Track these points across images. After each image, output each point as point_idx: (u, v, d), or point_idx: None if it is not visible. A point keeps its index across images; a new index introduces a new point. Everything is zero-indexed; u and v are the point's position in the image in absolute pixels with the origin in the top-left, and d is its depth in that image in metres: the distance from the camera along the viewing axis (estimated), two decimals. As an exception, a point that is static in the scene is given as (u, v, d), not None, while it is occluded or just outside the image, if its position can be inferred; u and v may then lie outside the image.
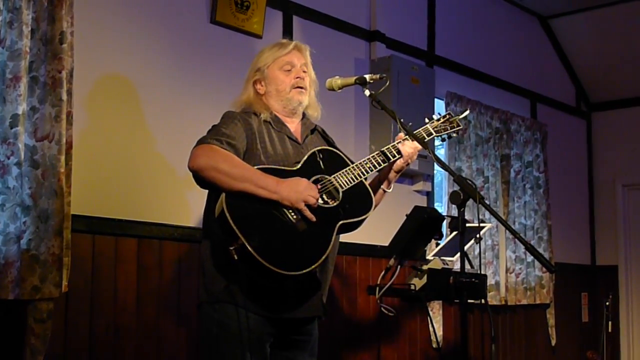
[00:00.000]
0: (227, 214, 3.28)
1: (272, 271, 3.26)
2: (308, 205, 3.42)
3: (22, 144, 4.05)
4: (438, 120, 4.00)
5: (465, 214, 3.76)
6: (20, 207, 4.04)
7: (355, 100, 6.25)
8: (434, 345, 6.70)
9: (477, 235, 4.10)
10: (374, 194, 3.75)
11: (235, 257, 3.25)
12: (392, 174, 3.90)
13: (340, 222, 3.51)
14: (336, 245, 3.59)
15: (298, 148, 3.71)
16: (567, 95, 9.19)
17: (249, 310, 3.43)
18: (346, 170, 3.63)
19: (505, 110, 7.76)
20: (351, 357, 6.02)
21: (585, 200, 9.35)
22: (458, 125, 4.03)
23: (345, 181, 3.59)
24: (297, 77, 3.75)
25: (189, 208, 4.99)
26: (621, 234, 9.19)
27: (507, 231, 4.51)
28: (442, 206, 7.02)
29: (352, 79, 3.82)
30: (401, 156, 3.82)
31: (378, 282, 4.68)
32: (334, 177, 3.58)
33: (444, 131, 3.99)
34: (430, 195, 6.89)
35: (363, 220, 3.60)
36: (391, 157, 3.80)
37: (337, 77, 3.87)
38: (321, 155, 3.66)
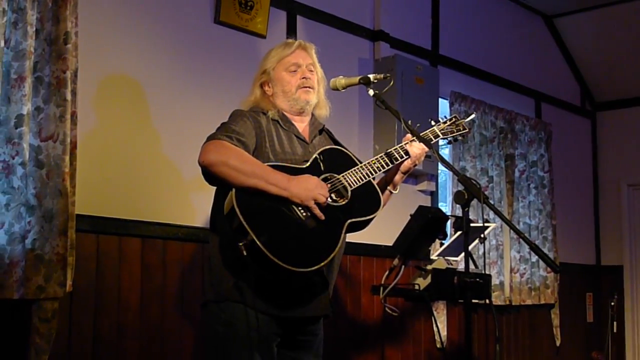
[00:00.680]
0: (237, 210, 3.28)
1: (281, 267, 3.26)
2: (317, 203, 3.42)
3: (26, 144, 4.05)
4: (444, 122, 4.01)
5: (470, 213, 3.76)
6: (24, 206, 4.04)
7: (359, 100, 6.25)
8: (438, 345, 6.70)
9: (482, 235, 4.09)
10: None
11: (244, 253, 3.25)
12: (399, 175, 3.90)
13: (349, 221, 3.52)
14: (343, 244, 3.60)
15: (306, 147, 3.71)
16: (571, 95, 9.18)
17: (258, 309, 3.43)
18: (355, 170, 3.63)
19: (510, 109, 7.75)
20: (355, 357, 6.02)
21: (590, 200, 9.33)
22: (464, 128, 4.03)
23: (354, 180, 3.60)
24: (303, 78, 3.75)
25: (192, 208, 5.00)
26: (626, 233, 9.17)
27: (512, 231, 4.52)
28: (446, 206, 7.02)
29: (356, 79, 3.82)
30: (409, 157, 3.83)
31: (382, 282, 4.67)
32: (343, 176, 3.59)
33: (450, 134, 4.00)
34: (434, 195, 6.88)
35: (371, 219, 3.61)
36: (399, 158, 3.81)
37: (341, 76, 3.88)
38: (330, 154, 3.67)
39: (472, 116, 4.22)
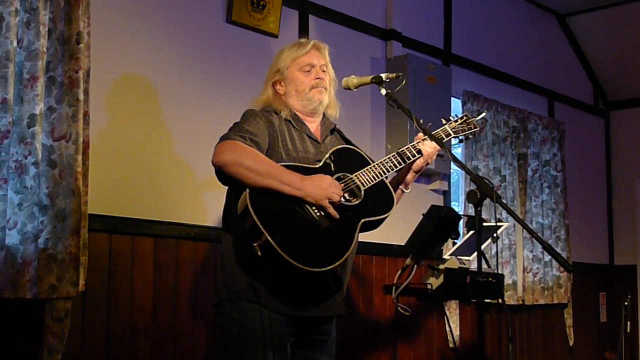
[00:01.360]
0: (251, 210, 3.28)
1: (296, 267, 3.25)
2: (331, 203, 3.42)
3: (39, 143, 4.06)
4: (456, 121, 4.00)
5: (482, 213, 3.76)
6: (37, 206, 4.05)
7: (371, 100, 6.25)
8: (451, 345, 6.69)
9: (494, 235, 4.08)
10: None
11: (259, 253, 3.24)
12: (411, 174, 3.89)
13: (363, 220, 3.51)
14: (356, 243, 3.59)
15: (318, 147, 3.70)
16: (585, 94, 9.15)
17: (272, 309, 3.42)
18: (367, 169, 3.63)
19: (523, 108, 7.73)
20: (368, 357, 6.01)
21: (604, 199, 9.31)
22: (475, 127, 4.02)
23: (367, 179, 3.59)
24: (317, 78, 3.74)
25: (205, 207, 5.00)
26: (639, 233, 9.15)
27: (525, 230, 4.50)
28: (459, 205, 7.01)
29: (369, 78, 3.81)
30: (421, 155, 3.82)
31: (394, 282, 4.67)
32: (356, 176, 3.59)
33: (462, 132, 3.98)
34: (447, 194, 6.87)
35: (385, 218, 3.60)
36: (411, 157, 3.80)
37: (353, 76, 3.87)
38: (342, 154, 3.66)
39: (483, 115, 4.22)
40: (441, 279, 4.78)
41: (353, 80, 3.86)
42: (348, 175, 3.58)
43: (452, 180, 6.99)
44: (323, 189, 3.41)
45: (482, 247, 4.07)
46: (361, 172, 3.61)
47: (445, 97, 6.56)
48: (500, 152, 7.36)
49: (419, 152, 3.81)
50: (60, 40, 4.21)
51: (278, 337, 3.46)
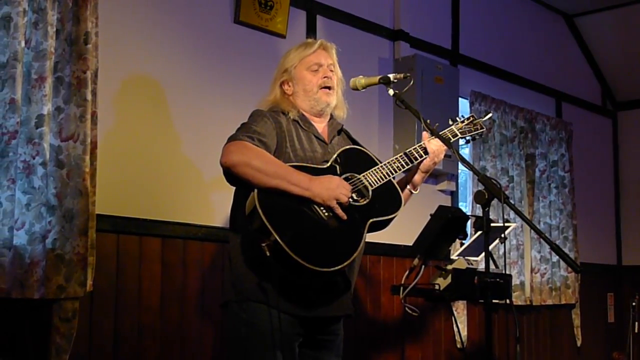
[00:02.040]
0: (260, 210, 3.28)
1: (305, 268, 3.25)
2: (339, 203, 3.42)
3: (47, 144, 4.07)
4: (462, 122, 4.00)
5: (490, 213, 3.75)
6: (45, 206, 4.06)
7: (379, 100, 6.25)
8: (459, 346, 6.69)
9: (502, 235, 4.08)
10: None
11: (268, 253, 3.24)
12: (419, 175, 3.89)
13: (370, 220, 3.52)
14: (364, 243, 3.59)
15: (325, 148, 3.71)
16: (592, 94, 9.14)
17: (280, 310, 3.42)
18: (375, 169, 3.63)
19: (530, 109, 7.72)
20: (375, 357, 6.01)
21: (611, 200, 9.29)
22: (482, 127, 4.03)
23: (375, 180, 3.60)
24: (324, 77, 3.74)
25: (212, 207, 5.00)
26: (647, 233, 9.14)
27: (532, 231, 4.50)
28: (466, 206, 7.00)
29: (376, 79, 3.81)
30: (428, 155, 3.82)
31: (402, 282, 4.66)
32: (363, 176, 3.59)
33: (468, 133, 3.99)
34: (454, 194, 6.87)
35: (392, 219, 3.60)
36: (418, 157, 3.80)
37: (361, 76, 3.87)
38: (350, 155, 3.67)
39: (490, 115, 4.21)
40: (449, 279, 4.77)
41: (361, 80, 3.86)
42: (356, 175, 3.58)
43: (459, 180, 6.98)
44: (331, 190, 3.41)
45: (490, 247, 4.06)
46: (369, 173, 3.61)
47: (452, 97, 6.55)
48: (508, 153, 7.36)
49: (426, 151, 3.81)
50: (68, 41, 4.21)
51: (286, 337, 3.46)
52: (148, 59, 4.82)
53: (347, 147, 3.71)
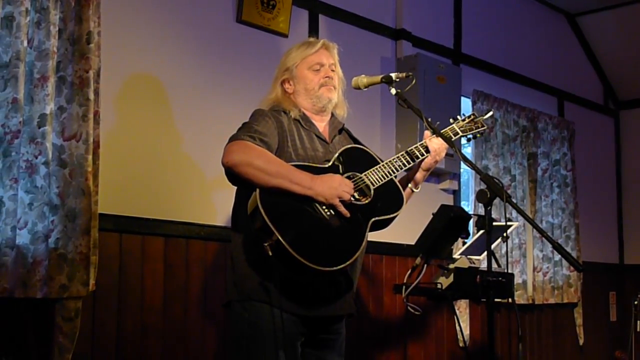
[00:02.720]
0: (262, 210, 3.28)
1: (307, 267, 3.26)
2: (342, 202, 3.42)
3: (49, 143, 4.07)
4: (463, 120, 4.00)
5: (492, 212, 3.75)
6: (48, 206, 4.06)
7: (381, 99, 6.25)
8: (461, 344, 6.69)
9: (504, 234, 4.08)
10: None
11: (270, 253, 3.24)
12: (420, 173, 3.89)
13: (373, 219, 3.52)
14: (366, 242, 3.59)
15: (326, 147, 3.71)
16: (594, 93, 9.13)
17: (283, 309, 3.42)
18: (376, 168, 3.63)
19: (533, 108, 7.72)
20: (378, 356, 6.01)
21: (613, 199, 9.28)
22: (483, 126, 4.02)
23: (376, 179, 3.60)
24: (326, 77, 3.75)
25: (215, 207, 5.01)
26: (650, 232, 9.14)
27: (535, 230, 4.50)
28: (468, 205, 7.00)
29: (378, 78, 3.82)
30: (429, 153, 3.82)
31: (404, 281, 4.67)
32: (365, 175, 3.59)
33: (469, 131, 3.99)
34: (456, 193, 6.87)
35: (394, 217, 3.60)
36: (420, 156, 3.80)
37: (363, 75, 3.87)
38: (351, 153, 3.67)
39: (490, 113, 4.21)
40: (451, 278, 4.78)
41: (363, 79, 3.86)
42: (357, 174, 3.58)
43: (462, 179, 6.98)
44: (333, 188, 3.42)
45: (492, 246, 4.07)
46: (370, 172, 3.61)
47: (455, 96, 6.55)
48: (510, 152, 7.36)
49: (428, 150, 3.81)
50: (71, 40, 4.22)
51: (289, 336, 3.46)
52: (150, 58, 4.82)
53: (349, 146, 3.71)
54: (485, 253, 3.80)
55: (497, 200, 3.63)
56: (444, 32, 7.02)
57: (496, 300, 3.86)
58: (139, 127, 4.73)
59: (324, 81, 3.74)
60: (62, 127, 4.16)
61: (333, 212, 3.43)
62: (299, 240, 3.28)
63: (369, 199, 3.54)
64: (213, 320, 4.91)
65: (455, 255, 5.24)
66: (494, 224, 3.89)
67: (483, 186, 3.65)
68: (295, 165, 3.47)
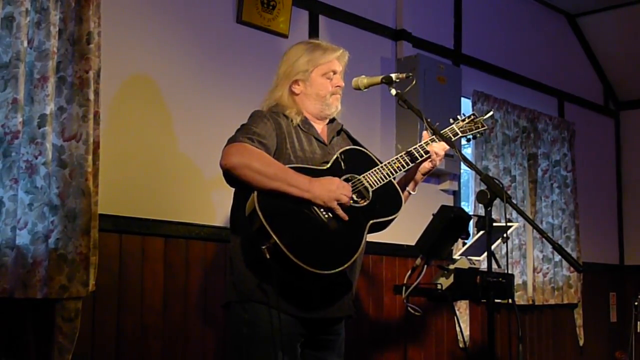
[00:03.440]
0: (259, 212, 3.28)
1: (306, 270, 3.26)
2: (340, 204, 3.42)
3: (49, 143, 4.07)
4: (463, 120, 3.99)
5: (492, 213, 3.75)
6: (48, 206, 4.06)
7: (381, 100, 6.24)
8: (461, 345, 6.69)
9: (504, 235, 4.08)
10: None
11: (268, 256, 3.24)
12: (418, 176, 3.88)
13: (371, 221, 3.51)
14: (365, 244, 3.59)
15: (325, 149, 3.70)
16: (595, 94, 9.13)
17: (282, 310, 3.41)
18: (375, 170, 3.62)
19: (533, 109, 7.72)
20: (378, 357, 6.01)
21: (614, 200, 9.28)
22: (483, 126, 4.01)
23: (375, 180, 3.59)
24: (337, 86, 3.74)
25: (214, 207, 5.01)
26: (650, 233, 9.14)
27: (535, 230, 4.50)
28: (468, 205, 7.00)
29: (378, 78, 3.81)
30: (429, 156, 3.81)
31: (404, 282, 4.66)
32: (364, 177, 3.59)
33: (470, 131, 3.98)
34: (457, 194, 6.87)
35: (393, 219, 3.60)
36: (419, 157, 3.79)
37: (363, 76, 3.87)
38: (350, 155, 3.66)
39: (490, 113, 4.20)
40: (451, 279, 4.78)
41: (363, 80, 3.86)
42: (356, 176, 3.58)
43: (462, 180, 6.98)
44: (332, 191, 3.42)
45: (492, 247, 4.07)
46: (369, 173, 3.61)
47: (455, 97, 6.55)
48: (511, 152, 7.36)
49: (427, 152, 3.81)
50: (71, 41, 4.22)
51: (288, 337, 3.46)
52: (150, 58, 4.82)
53: (347, 147, 3.71)
54: (486, 254, 3.80)
55: (497, 201, 3.62)
56: (444, 33, 7.02)
57: (496, 301, 3.85)
58: (139, 127, 4.73)
59: (335, 90, 3.74)
60: (62, 127, 4.16)
61: (331, 215, 3.43)
62: (296, 244, 3.27)
63: (368, 201, 3.54)
64: (213, 320, 4.91)
65: (456, 256, 5.24)
66: (494, 224, 3.89)
67: (483, 187, 3.64)
68: (294, 168, 3.46)
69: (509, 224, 5.53)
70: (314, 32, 5.75)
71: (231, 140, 3.48)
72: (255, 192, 3.33)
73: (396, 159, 3.72)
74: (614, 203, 9.28)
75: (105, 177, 4.37)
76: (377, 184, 3.59)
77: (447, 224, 4.47)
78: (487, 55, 7.42)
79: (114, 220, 4.51)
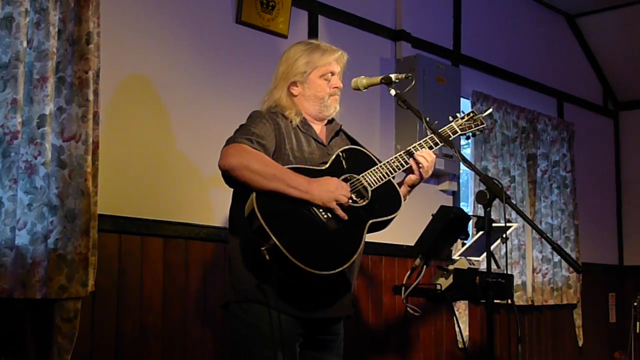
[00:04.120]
0: (258, 214, 3.28)
1: (305, 271, 3.26)
2: (339, 204, 3.42)
3: (49, 144, 4.07)
4: (462, 118, 3.98)
5: (492, 213, 3.75)
6: (47, 206, 4.06)
7: (380, 100, 6.24)
8: (460, 346, 6.69)
9: (504, 235, 4.08)
10: None
11: (267, 258, 3.24)
12: (404, 188, 3.82)
13: (370, 221, 3.51)
14: (364, 245, 3.59)
15: (324, 149, 3.70)
16: (594, 94, 9.14)
17: (281, 311, 3.42)
18: (374, 170, 3.62)
19: (532, 109, 7.72)
20: (377, 357, 6.01)
21: (613, 200, 9.29)
22: (482, 124, 4.01)
23: (374, 180, 3.59)
24: (335, 87, 3.74)
25: (214, 207, 5.00)
26: (649, 233, 9.14)
27: (534, 231, 4.50)
28: (468, 206, 7.00)
29: (378, 79, 3.81)
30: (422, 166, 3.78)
31: (404, 282, 4.66)
32: (363, 176, 3.58)
33: (469, 129, 3.97)
34: (456, 194, 6.87)
35: (392, 219, 3.60)
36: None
37: (363, 76, 3.87)
38: (348, 155, 3.66)
39: (490, 110, 4.21)
40: (450, 279, 4.77)
41: (362, 80, 3.85)
42: (355, 176, 3.57)
43: (461, 180, 6.98)
44: (330, 191, 3.41)
45: (492, 247, 4.07)
46: (368, 173, 3.60)
47: (454, 97, 6.55)
48: (510, 153, 7.36)
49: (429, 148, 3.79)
50: (70, 41, 4.21)
51: (287, 337, 3.46)
52: (150, 59, 4.82)
53: (346, 147, 3.71)
54: (485, 254, 3.80)
55: (496, 202, 3.62)
56: (443, 33, 7.02)
57: (495, 301, 3.85)
58: (138, 127, 4.73)
59: (334, 91, 3.74)
60: (62, 127, 4.16)
61: (330, 215, 3.43)
62: (296, 244, 3.27)
63: (367, 201, 3.54)
64: (212, 320, 4.90)
65: (455, 257, 5.23)
66: (494, 225, 3.89)
67: (482, 187, 3.64)
68: (292, 168, 3.46)
69: (508, 224, 5.53)
70: (313, 32, 5.75)
71: (230, 141, 3.48)
72: (254, 193, 3.34)
73: (395, 157, 3.71)
74: (613, 203, 9.29)
75: (105, 178, 4.37)
76: (376, 184, 3.59)
77: (447, 224, 4.47)
78: (486, 56, 7.42)
79: (114, 220, 4.51)
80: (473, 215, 5.59)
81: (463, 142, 4.08)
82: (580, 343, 8.24)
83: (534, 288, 7.57)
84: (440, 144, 3.81)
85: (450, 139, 3.87)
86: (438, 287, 4.79)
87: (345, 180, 3.53)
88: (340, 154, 3.63)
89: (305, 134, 3.69)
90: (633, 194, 9.26)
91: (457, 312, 6.68)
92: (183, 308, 4.80)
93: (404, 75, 3.79)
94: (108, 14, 4.48)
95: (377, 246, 5.83)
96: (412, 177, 3.80)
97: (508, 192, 7.15)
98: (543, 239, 3.79)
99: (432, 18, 6.92)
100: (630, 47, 8.81)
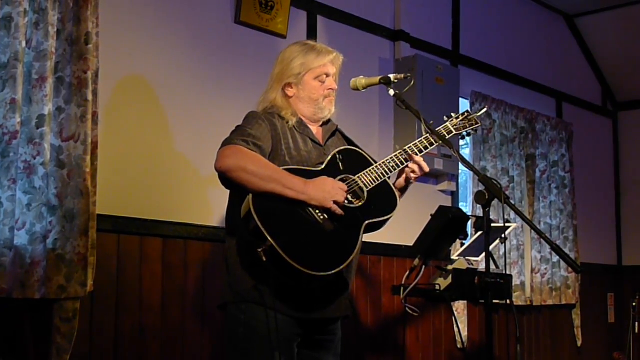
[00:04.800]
0: (255, 215, 3.28)
1: (302, 272, 3.26)
2: (337, 203, 3.42)
3: (48, 144, 4.07)
4: (457, 118, 3.98)
5: (491, 213, 3.76)
6: (46, 206, 4.06)
7: (379, 100, 6.25)
8: (459, 346, 6.69)
9: (503, 235, 4.08)
10: None
11: (264, 259, 3.24)
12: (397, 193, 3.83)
13: (367, 222, 3.51)
14: (361, 245, 3.59)
15: (320, 150, 3.70)
16: (593, 95, 9.14)
17: (278, 311, 3.42)
18: (370, 170, 3.62)
19: (531, 109, 7.72)
20: (376, 358, 6.01)
21: (612, 200, 9.29)
22: (476, 123, 4.01)
23: (370, 180, 3.59)
24: (329, 89, 3.74)
25: (212, 207, 5.00)
26: (648, 234, 9.14)
27: (533, 231, 4.50)
28: (467, 206, 7.01)
29: (377, 79, 3.81)
30: (425, 150, 3.78)
31: (402, 282, 4.67)
32: (359, 177, 3.58)
33: (463, 129, 3.97)
34: (455, 195, 6.87)
35: (388, 219, 3.60)
36: (418, 153, 3.78)
37: (362, 76, 3.87)
38: (344, 156, 3.66)
39: (485, 110, 4.21)
40: (449, 279, 4.78)
41: (361, 81, 3.86)
42: (351, 176, 3.58)
43: (460, 181, 6.98)
44: (327, 192, 3.42)
45: (491, 247, 4.07)
46: (364, 173, 3.60)
47: (453, 97, 6.56)
48: (509, 153, 7.36)
49: (421, 150, 3.79)
50: (69, 41, 4.21)
51: (284, 337, 3.46)
52: (149, 59, 4.82)
53: (342, 148, 3.71)
54: (484, 254, 3.80)
55: (495, 202, 3.63)
56: (442, 34, 7.02)
57: (494, 301, 3.85)
58: (137, 128, 4.73)
59: (328, 93, 3.74)
60: (61, 127, 4.15)
61: (327, 216, 3.43)
62: (292, 246, 3.28)
63: (363, 202, 3.54)
64: (211, 321, 4.90)
65: (454, 257, 5.24)
66: (492, 225, 3.89)
67: (481, 187, 3.64)
68: (289, 169, 3.46)
69: (507, 224, 5.54)
70: (312, 32, 5.75)
71: (226, 143, 3.48)
72: (251, 195, 3.34)
73: (391, 158, 3.71)
74: (612, 204, 9.29)
75: (104, 178, 4.37)
76: (372, 184, 3.59)
77: (445, 224, 4.47)
78: (485, 56, 7.43)
79: (113, 220, 4.51)
80: (472, 216, 5.59)
81: (462, 142, 4.08)
82: (579, 343, 8.24)
83: (532, 288, 7.57)
84: (436, 144, 3.81)
85: (447, 138, 3.87)
86: (437, 287, 4.79)
87: (342, 180, 3.53)
88: (337, 154, 3.63)
89: (302, 134, 3.69)
90: (632, 194, 9.27)
91: (455, 312, 6.68)
92: (182, 308, 4.80)
93: (402, 76, 3.80)
94: (107, 14, 4.48)
95: (376, 246, 5.83)
96: (400, 181, 3.83)
97: (507, 193, 7.15)
98: (542, 239, 3.78)
99: (431, 18, 6.92)
100: (630, 47, 8.81)
